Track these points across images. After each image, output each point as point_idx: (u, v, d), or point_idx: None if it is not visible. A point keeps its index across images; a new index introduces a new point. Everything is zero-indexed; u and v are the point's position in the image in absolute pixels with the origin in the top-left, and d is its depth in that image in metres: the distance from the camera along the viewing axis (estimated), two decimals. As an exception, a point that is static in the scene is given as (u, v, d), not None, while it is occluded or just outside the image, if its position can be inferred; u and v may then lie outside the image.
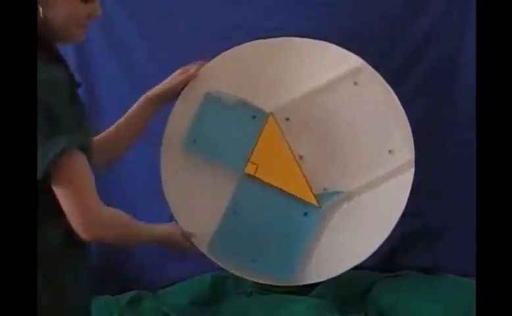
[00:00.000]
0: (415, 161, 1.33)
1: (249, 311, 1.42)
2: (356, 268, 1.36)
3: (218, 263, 1.34)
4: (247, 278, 1.36)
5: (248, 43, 1.40)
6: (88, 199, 0.97)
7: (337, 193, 1.35)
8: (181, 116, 1.37)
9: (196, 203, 1.35)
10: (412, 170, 1.33)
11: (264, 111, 1.38)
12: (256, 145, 1.37)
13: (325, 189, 1.36)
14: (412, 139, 1.34)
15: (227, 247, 1.34)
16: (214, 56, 1.39)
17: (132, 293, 1.54)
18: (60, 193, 0.95)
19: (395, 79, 1.48)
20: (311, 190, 1.36)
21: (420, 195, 1.38)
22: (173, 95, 1.36)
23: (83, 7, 0.99)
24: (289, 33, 1.39)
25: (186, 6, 1.62)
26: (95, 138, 1.15)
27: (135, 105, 1.31)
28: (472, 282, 1.04)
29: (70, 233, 0.99)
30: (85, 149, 0.97)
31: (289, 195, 1.36)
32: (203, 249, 1.33)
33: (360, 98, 1.36)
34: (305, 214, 1.36)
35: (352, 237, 1.33)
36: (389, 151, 1.34)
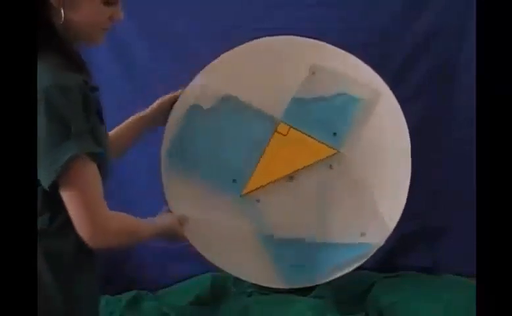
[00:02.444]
0: (415, 161, 1.33)
1: (249, 311, 1.42)
2: (356, 268, 1.36)
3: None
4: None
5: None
6: (96, 209, 0.96)
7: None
8: None
9: None
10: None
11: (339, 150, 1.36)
12: (308, 137, 1.36)
13: (258, 201, 1.36)
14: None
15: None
16: (214, 57, 1.39)
17: (132, 293, 1.55)
18: (67, 200, 0.94)
19: (395, 79, 1.48)
20: (257, 186, 1.35)
21: (420, 195, 1.38)
22: (161, 118, 1.36)
23: (106, 10, 0.99)
24: (289, 33, 1.39)
25: (186, 6, 1.62)
26: None
27: (124, 123, 1.31)
28: (472, 282, 1.04)
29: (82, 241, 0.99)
30: (96, 156, 0.96)
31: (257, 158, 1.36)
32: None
33: None
34: (234, 180, 1.36)
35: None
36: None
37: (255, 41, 1.39)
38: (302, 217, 1.36)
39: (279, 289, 1.42)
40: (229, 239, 1.35)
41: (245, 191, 1.36)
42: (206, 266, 1.42)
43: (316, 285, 1.44)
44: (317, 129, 1.36)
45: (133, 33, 1.63)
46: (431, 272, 1.61)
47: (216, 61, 1.39)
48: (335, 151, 1.35)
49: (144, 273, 1.67)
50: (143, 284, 1.63)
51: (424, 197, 1.57)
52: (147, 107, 1.45)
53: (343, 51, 1.37)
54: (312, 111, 1.36)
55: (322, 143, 1.35)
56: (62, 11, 0.95)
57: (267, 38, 1.39)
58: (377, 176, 1.34)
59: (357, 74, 1.36)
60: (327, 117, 1.36)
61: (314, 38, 1.39)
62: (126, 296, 1.53)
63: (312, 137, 1.36)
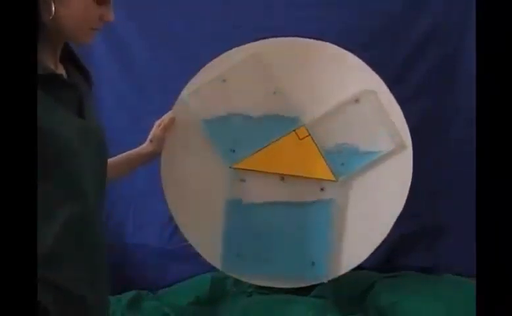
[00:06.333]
0: (415, 161, 1.34)
1: (249, 311, 1.42)
2: (356, 268, 1.36)
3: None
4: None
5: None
6: None
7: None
8: None
9: None
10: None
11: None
12: (318, 152, 1.38)
13: (243, 180, 1.39)
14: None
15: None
16: (214, 57, 1.39)
17: (132, 293, 1.55)
18: None
19: (395, 79, 1.48)
20: (249, 168, 1.38)
21: (420, 195, 1.38)
22: (156, 154, 1.37)
23: (96, 8, 0.97)
24: (289, 33, 1.39)
25: (186, 6, 1.62)
26: None
27: (117, 157, 1.28)
28: (472, 282, 1.04)
29: None
30: None
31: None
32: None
33: None
34: (232, 150, 1.39)
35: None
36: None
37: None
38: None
39: (279, 289, 1.43)
40: (197, 194, 1.40)
41: (236, 165, 1.38)
42: (206, 266, 1.43)
43: (316, 285, 1.44)
44: (331, 151, 1.37)
45: (133, 33, 1.63)
46: (431, 272, 1.61)
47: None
48: (333, 179, 1.36)
49: (144, 273, 1.67)
50: (143, 284, 1.63)
51: (424, 197, 1.57)
52: (146, 105, 1.46)
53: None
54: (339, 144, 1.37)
55: (328, 165, 1.36)
56: (53, 5, 0.92)
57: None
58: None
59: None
60: (347, 151, 1.36)
61: (315, 38, 1.39)
62: (126, 296, 1.53)
63: (321, 155, 1.36)
